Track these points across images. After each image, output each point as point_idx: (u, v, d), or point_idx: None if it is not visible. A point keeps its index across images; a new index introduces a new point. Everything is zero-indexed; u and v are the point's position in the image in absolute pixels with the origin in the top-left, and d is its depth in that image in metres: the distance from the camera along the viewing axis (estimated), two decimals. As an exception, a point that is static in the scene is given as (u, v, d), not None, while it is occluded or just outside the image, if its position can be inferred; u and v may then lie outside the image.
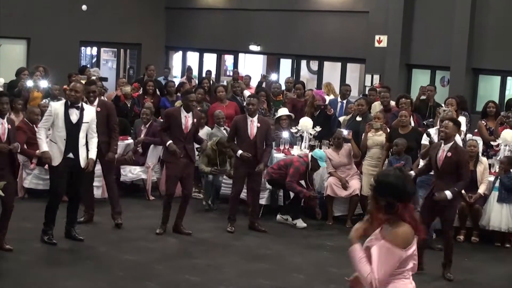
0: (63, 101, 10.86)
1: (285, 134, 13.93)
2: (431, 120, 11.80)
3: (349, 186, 13.01)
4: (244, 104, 15.82)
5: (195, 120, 11.55)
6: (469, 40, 18.94)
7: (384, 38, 20.81)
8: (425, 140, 11.79)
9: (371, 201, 5.14)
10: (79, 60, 25.69)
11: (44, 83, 15.12)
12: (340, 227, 12.80)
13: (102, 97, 15.03)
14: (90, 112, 10.69)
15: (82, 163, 10.49)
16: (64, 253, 10.32)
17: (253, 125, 11.99)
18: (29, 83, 14.81)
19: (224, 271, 9.87)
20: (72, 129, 10.41)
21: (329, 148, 13.48)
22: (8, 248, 10.01)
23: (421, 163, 11.76)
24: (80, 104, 10.55)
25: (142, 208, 13.26)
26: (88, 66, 22.31)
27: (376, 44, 21.05)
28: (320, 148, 13.71)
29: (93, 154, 10.64)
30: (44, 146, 10.41)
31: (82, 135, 10.49)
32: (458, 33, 19.02)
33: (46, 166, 12.92)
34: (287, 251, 11.24)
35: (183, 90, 14.37)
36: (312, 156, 12.68)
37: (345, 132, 13.11)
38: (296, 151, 13.91)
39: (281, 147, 13.85)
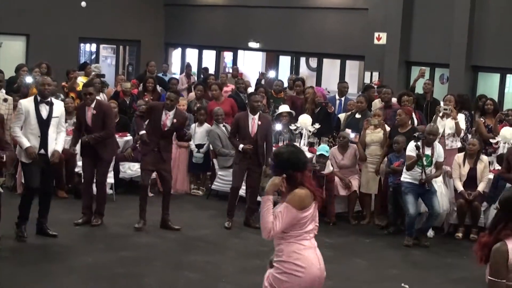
0: (32, 97, 10.72)
1: (278, 127, 13.93)
2: (421, 133, 11.76)
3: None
4: (247, 101, 15.86)
5: (175, 120, 11.55)
6: (468, 37, 18.90)
7: (384, 35, 20.78)
8: (411, 152, 11.73)
9: (275, 176, 5.92)
10: (78, 56, 25.67)
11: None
12: (339, 224, 12.81)
13: (100, 96, 15.12)
14: (59, 106, 10.65)
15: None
16: (63, 249, 10.32)
17: (254, 122, 12.01)
18: (28, 79, 14.79)
19: (222, 268, 9.87)
20: (43, 125, 10.36)
21: (330, 146, 13.45)
22: None
23: (405, 174, 11.76)
24: (49, 99, 10.50)
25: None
26: (88, 62, 22.29)
27: (376, 41, 21.01)
28: (319, 145, 13.73)
29: (59, 147, 10.54)
30: (25, 142, 10.30)
31: (52, 130, 10.44)
32: (457, 30, 18.99)
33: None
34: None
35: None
36: (316, 156, 12.66)
37: (352, 135, 13.10)
38: (295, 148, 13.89)
39: (280, 144, 13.83)
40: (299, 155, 5.99)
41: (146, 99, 15.56)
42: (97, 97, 15.02)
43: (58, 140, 10.56)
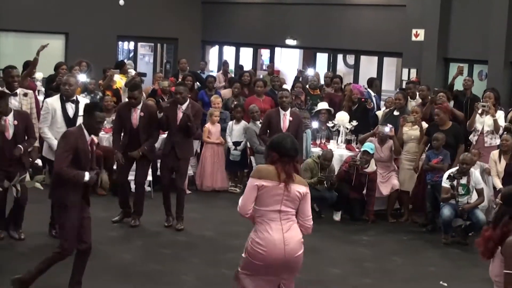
0: (58, 95, 10.73)
1: (315, 124, 13.89)
2: (457, 173, 11.58)
3: (388, 184, 12.98)
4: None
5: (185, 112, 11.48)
6: (507, 33, 18.70)
7: (421, 32, 20.64)
8: (445, 183, 11.62)
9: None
10: (116, 55, 25.85)
11: (82, 77, 15.20)
12: (377, 222, 12.78)
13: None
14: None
15: None
16: (101, 246, 10.36)
17: (286, 118, 12.01)
18: (67, 77, 14.89)
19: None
20: (70, 124, 10.29)
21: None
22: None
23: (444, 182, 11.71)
24: (75, 98, 10.52)
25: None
26: (123, 60, 22.41)
27: (413, 38, 20.89)
28: (356, 143, 13.71)
29: None
30: (54, 142, 10.21)
31: None
32: (496, 26, 18.80)
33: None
34: (323, 245, 11.23)
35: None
36: (360, 152, 12.65)
37: (387, 128, 13.03)
38: (332, 145, 13.89)
39: (317, 141, 13.82)
40: (284, 141, 6.47)
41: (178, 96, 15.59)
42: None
43: None
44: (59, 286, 8.27)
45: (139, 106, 11.36)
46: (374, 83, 17.26)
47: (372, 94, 15.95)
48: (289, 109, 12.14)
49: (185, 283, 9.13)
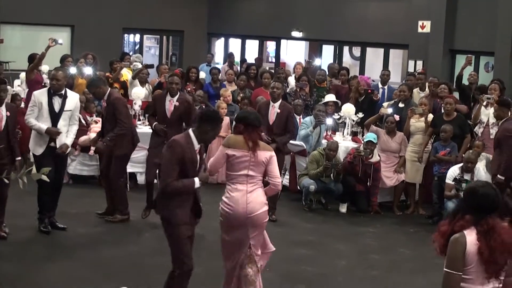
0: (46, 89, 10.56)
1: (329, 121, 13.85)
2: (462, 177, 11.55)
3: (394, 175, 12.98)
4: (287, 90, 15.85)
5: (177, 103, 11.47)
6: (514, 24, 18.69)
7: (428, 24, 20.60)
8: (449, 180, 11.66)
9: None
10: (122, 47, 25.82)
11: (88, 70, 15.22)
12: (384, 213, 12.79)
13: (146, 87, 15.24)
14: (73, 99, 10.48)
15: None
16: (107, 237, 10.43)
17: (273, 110, 11.89)
18: (73, 70, 14.92)
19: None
20: (54, 118, 10.24)
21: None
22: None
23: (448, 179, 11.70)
24: (63, 92, 10.36)
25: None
26: (131, 53, 22.41)
27: (420, 30, 20.85)
28: (363, 135, 13.70)
29: (68, 140, 10.40)
30: (42, 126, 10.16)
31: (62, 123, 10.29)
32: (502, 18, 18.74)
33: (91, 152, 13.11)
34: (329, 237, 11.25)
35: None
36: (364, 142, 12.67)
37: (389, 110, 13.13)
38: (338, 137, 13.89)
39: (324, 134, 13.80)
40: (247, 114, 7.72)
41: (189, 89, 15.61)
42: (145, 88, 15.21)
43: (69, 133, 10.42)
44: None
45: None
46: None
47: (384, 87, 15.84)
48: (279, 101, 12.02)
49: (193, 275, 9.11)
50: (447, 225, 5.26)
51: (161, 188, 7.25)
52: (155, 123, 11.56)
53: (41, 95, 10.38)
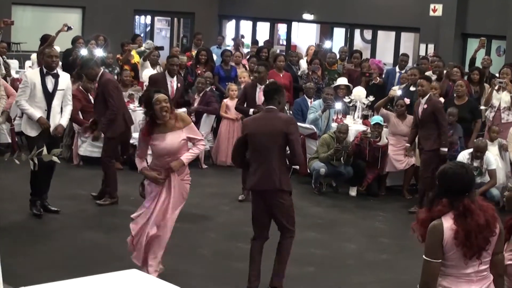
0: (38, 69, 10.40)
1: (338, 105, 13.81)
2: (471, 162, 11.57)
3: (405, 159, 12.95)
4: (299, 73, 15.84)
5: (179, 84, 11.60)
6: (526, 8, 18.62)
7: (439, 7, 20.54)
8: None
9: None
10: (133, 29, 25.80)
11: (99, 52, 15.24)
12: (393, 197, 12.79)
13: (157, 69, 15.26)
14: (65, 78, 10.30)
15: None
16: (115, 219, 10.46)
17: (261, 92, 11.95)
18: (83, 51, 14.94)
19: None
20: (49, 98, 10.08)
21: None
22: None
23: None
24: (56, 71, 10.19)
25: (196, 177, 13.31)
26: (142, 35, 22.40)
27: (431, 13, 20.79)
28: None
29: (63, 121, 10.26)
30: (35, 113, 10.00)
31: (56, 103, 10.15)
32: (515, 1, 18.71)
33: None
34: (339, 220, 11.27)
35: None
36: (371, 125, 12.67)
37: (399, 91, 13.18)
38: (349, 120, 13.87)
39: (334, 117, 13.80)
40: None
41: (199, 71, 15.61)
42: (156, 70, 15.22)
43: (64, 113, 10.27)
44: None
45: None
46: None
47: (402, 71, 15.75)
48: (267, 82, 12.08)
49: (201, 257, 9.18)
50: (425, 212, 5.20)
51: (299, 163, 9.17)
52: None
53: (33, 75, 10.18)
